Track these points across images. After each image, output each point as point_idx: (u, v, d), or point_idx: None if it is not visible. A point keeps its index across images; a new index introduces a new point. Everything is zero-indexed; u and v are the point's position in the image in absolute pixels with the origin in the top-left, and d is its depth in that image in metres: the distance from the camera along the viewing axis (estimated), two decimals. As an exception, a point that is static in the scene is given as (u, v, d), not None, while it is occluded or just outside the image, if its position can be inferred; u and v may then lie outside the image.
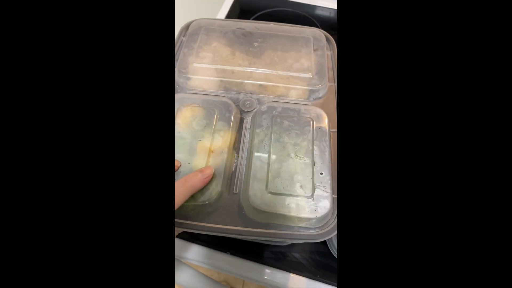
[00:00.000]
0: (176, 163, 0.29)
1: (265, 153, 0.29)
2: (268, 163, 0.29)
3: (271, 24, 0.42)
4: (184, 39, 0.40)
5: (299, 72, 0.36)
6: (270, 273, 0.40)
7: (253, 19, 0.62)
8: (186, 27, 0.41)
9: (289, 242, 0.39)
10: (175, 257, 0.41)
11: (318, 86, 0.35)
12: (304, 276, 0.40)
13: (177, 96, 0.34)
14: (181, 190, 0.25)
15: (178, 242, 0.41)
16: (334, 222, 0.28)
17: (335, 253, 0.41)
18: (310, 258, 0.42)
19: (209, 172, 0.27)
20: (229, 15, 0.64)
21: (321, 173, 0.28)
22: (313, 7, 0.66)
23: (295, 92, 0.36)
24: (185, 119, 0.32)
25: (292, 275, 0.40)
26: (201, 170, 0.27)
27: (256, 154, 0.30)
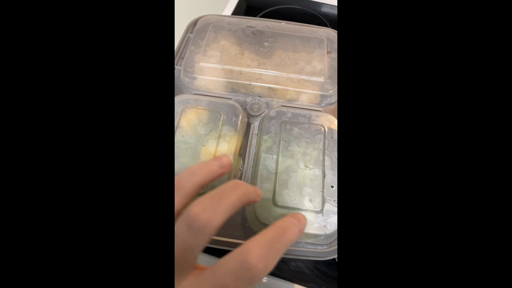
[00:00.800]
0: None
1: (273, 163, 0.28)
2: (276, 173, 0.27)
3: (283, 23, 0.40)
4: (191, 35, 0.38)
5: (311, 76, 0.34)
6: (272, 283, 0.39)
7: (260, 17, 0.60)
8: (194, 23, 0.39)
9: (295, 258, 0.38)
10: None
11: (331, 91, 0.33)
12: (308, 287, 0.39)
13: (182, 97, 0.32)
14: (189, 186, 0.18)
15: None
16: (343, 239, 0.26)
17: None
18: (315, 268, 0.41)
19: (226, 161, 0.21)
20: (235, 12, 0.62)
21: (332, 186, 0.27)
22: (322, 4, 0.64)
23: (306, 96, 0.34)
24: (189, 122, 0.30)
25: (296, 285, 0.39)
26: (216, 159, 0.20)
27: (262, 163, 0.28)
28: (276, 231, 0.17)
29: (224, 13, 0.62)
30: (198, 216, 0.16)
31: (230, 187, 0.18)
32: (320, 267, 0.41)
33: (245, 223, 0.26)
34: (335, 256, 0.25)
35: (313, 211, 0.26)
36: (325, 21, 0.61)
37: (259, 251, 0.15)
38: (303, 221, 0.19)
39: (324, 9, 0.64)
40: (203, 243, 0.16)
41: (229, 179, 0.27)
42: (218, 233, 0.26)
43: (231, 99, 0.33)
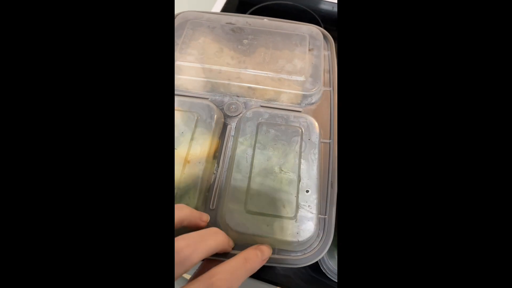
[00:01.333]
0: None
1: (247, 166, 0.27)
2: (249, 178, 0.26)
3: (265, 20, 0.38)
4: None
5: (292, 75, 0.33)
6: (257, 285, 0.38)
7: (250, 13, 0.58)
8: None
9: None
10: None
11: (312, 90, 0.32)
12: None
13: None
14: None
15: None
16: (318, 245, 0.25)
17: (325, 269, 0.38)
18: (299, 271, 0.40)
19: (206, 219, 0.23)
20: (226, 7, 0.60)
21: (307, 191, 0.26)
22: (315, 0, 0.62)
23: (286, 96, 0.33)
24: (162, 123, 0.29)
25: None
26: (200, 213, 0.23)
27: (236, 166, 0.27)
28: (239, 260, 0.20)
29: (214, 8, 0.60)
30: (181, 250, 0.17)
31: (212, 233, 0.21)
32: (305, 270, 0.40)
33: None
34: (310, 263, 0.24)
35: (287, 217, 0.25)
36: (317, 17, 0.59)
37: (223, 276, 0.18)
38: (266, 253, 0.22)
39: (318, 5, 0.63)
40: (179, 275, 0.17)
41: (201, 183, 0.26)
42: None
43: (207, 99, 0.32)
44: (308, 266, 0.40)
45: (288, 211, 0.25)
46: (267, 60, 0.34)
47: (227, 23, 0.37)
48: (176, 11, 0.39)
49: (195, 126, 0.29)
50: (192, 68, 0.33)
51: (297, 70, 0.33)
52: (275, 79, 0.33)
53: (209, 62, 0.33)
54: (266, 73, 0.33)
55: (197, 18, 0.37)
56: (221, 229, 0.25)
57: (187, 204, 0.25)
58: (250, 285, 0.38)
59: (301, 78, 0.33)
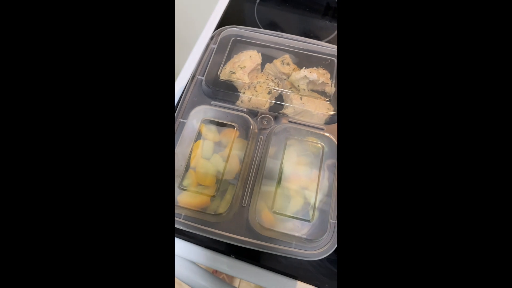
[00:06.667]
0: None
1: (274, 177, 0.35)
2: (276, 186, 0.34)
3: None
4: (214, 46, 0.44)
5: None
6: (274, 279, 0.39)
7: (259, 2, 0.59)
8: (218, 34, 0.45)
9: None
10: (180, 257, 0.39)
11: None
12: (312, 284, 0.38)
13: (198, 108, 0.39)
14: None
15: (184, 244, 0.39)
16: (328, 244, 0.33)
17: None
18: (319, 266, 0.40)
19: None
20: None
21: (323, 201, 0.33)
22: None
23: (314, 114, 0.39)
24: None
25: (299, 282, 0.39)
26: None
27: (265, 176, 0.35)
28: None
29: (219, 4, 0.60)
30: None
31: None
32: (324, 264, 0.40)
33: (248, 224, 0.33)
34: (319, 258, 0.32)
35: (305, 220, 0.33)
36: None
37: None
38: None
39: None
40: None
41: (237, 185, 0.34)
42: (227, 230, 0.33)
43: (244, 111, 0.39)
44: (328, 260, 0.38)
45: (305, 216, 0.33)
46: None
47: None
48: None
49: (235, 137, 0.37)
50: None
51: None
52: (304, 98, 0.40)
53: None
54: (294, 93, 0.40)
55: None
56: (252, 226, 0.33)
57: (223, 202, 0.33)
58: (269, 278, 0.39)
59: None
